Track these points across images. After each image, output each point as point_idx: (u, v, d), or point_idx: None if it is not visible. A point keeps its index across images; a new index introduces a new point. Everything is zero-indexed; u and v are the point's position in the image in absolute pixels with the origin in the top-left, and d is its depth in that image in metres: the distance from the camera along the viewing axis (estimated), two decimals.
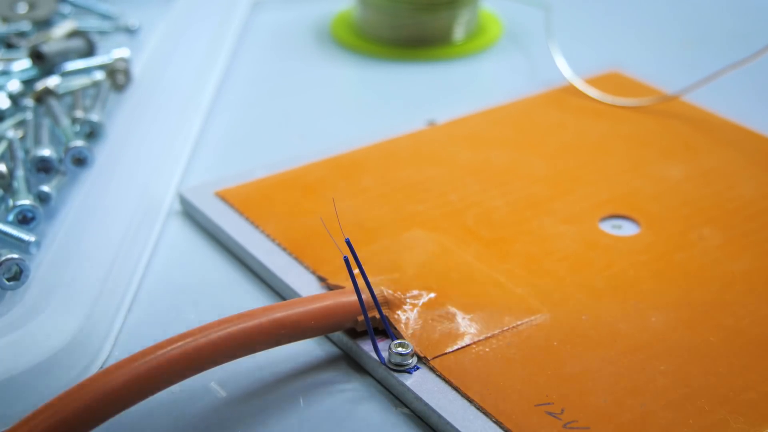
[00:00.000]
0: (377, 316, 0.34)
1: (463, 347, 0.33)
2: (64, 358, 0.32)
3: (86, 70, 0.51)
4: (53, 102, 0.46)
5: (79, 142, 0.42)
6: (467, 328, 0.34)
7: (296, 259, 0.38)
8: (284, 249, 0.39)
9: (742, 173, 0.44)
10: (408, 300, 0.35)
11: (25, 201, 0.38)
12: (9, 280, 0.35)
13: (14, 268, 0.35)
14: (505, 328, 0.34)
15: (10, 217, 0.38)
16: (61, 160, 0.42)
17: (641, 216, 0.41)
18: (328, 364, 0.34)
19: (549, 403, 0.31)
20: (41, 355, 0.32)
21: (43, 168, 0.41)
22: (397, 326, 0.34)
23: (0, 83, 0.48)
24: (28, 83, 0.49)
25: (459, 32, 0.58)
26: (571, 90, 0.52)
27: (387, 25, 0.58)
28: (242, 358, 0.32)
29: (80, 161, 0.42)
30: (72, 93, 0.48)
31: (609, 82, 0.53)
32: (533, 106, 0.50)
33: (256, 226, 0.40)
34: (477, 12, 0.60)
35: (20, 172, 0.41)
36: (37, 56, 0.49)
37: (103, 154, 0.43)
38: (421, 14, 0.57)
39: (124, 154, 0.44)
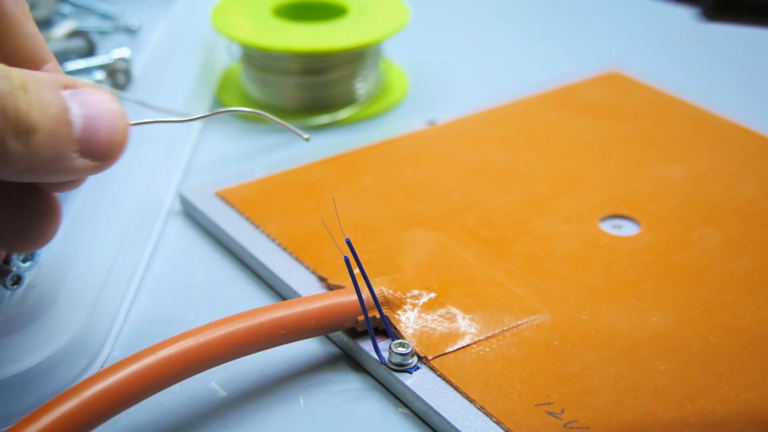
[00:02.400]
0: (377, 315, 0.34)
1: (463, 347, 0.33)
2: (64, 358, 0.32)
3: (86, 70, 0.51)
4: None
5: None
6: (467, 327, 0.34)
7: (296, 258, 0.38)
8: (284, 249, 0.39)
9: (742, 173, 0.44)
10: (408, 300, 0.35)
11: None
12: (13, 284, 0.35)
13: (15, 277, 0.35)
14: (505, 328, 0.34)
15: None
16: None
17: (641, 216, 0.41)
18: (328, 363, 0.34)
19: (549, 403, 0.31)
20: (41, 355, 0.32)
21: None
22: (397, 326, 0.34)
23: None
24: None
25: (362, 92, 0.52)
26: (571, 90, 0.52)
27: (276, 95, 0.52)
28: (242, 358, 0.32)
29: None
30: None
31: (609, 82, 0.53)
32: (533, 106, 0.50)
33: (257, 226, 0.40)
34: (379, 68, 0.53)
35: None
36: None
37: None
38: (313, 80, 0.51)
39: (124, 154, 0.44)
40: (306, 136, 0.33)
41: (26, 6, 0.31)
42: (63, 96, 0.28)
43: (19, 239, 0.31)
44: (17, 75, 0.27)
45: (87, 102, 0.29)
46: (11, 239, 0.31)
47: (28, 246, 0.32)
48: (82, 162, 0.29)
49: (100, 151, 0.29)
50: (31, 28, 0.31)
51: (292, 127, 0.33)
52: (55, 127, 0.27)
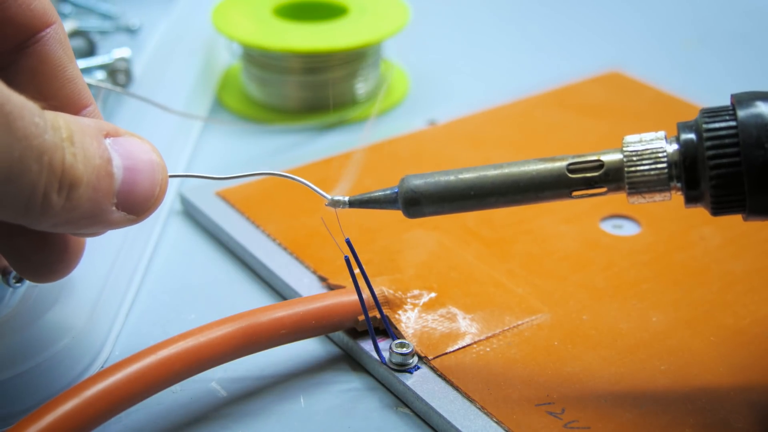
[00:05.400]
0: (378, 315, 0.34)
1: (463, 347, 0.33)
2: (64, 358, 0.32)
3: (87, 70, 0.50)
4: None
5: None
6: (468, 327, 0.34)
7: (297, 258, 0.38)
8: (285, 249, 0.39)
9: None
10: (409, 300, 0.35)
11: None
12: (15, 282, 0.35)
13: (18, 275, 0.35)
14: (505, 328, 0.34)
15: None
16: None
17: (642, 216, 0.41)
18: (328, 363, 0.34)
19: (550, 403, 0.31)
20: (41, 355, 0.32)
21: None
22: (397, 326, 0.34)
23: None
24: None
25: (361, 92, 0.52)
26: (571, 90, 0.52)
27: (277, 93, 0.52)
28: (242, 358, 0.32)
29: None
30: None
31: (609, 82, 0.53)
32: (533, 106, 0.50)
33: (257, 226, 0.40)
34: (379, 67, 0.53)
35: None
36: None
37: None
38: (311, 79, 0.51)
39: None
40: (329, 197, 0.33)
41: (70, 47, 0.30)
42: (106, 146, 0.27)
43: (41, 272, 0.30)
44: (64, 124, 0.25)
45: (128, 153, 0.27)
46: (33, 272, 0.30)
47: (50, 278, 0.30)
48: (118, 215, 0.27)
49: (137, 205, 0.28)
50: (73, 70, 0.30)
51: (317, 188, 0.33)
52: (96, 180, 0.26)
